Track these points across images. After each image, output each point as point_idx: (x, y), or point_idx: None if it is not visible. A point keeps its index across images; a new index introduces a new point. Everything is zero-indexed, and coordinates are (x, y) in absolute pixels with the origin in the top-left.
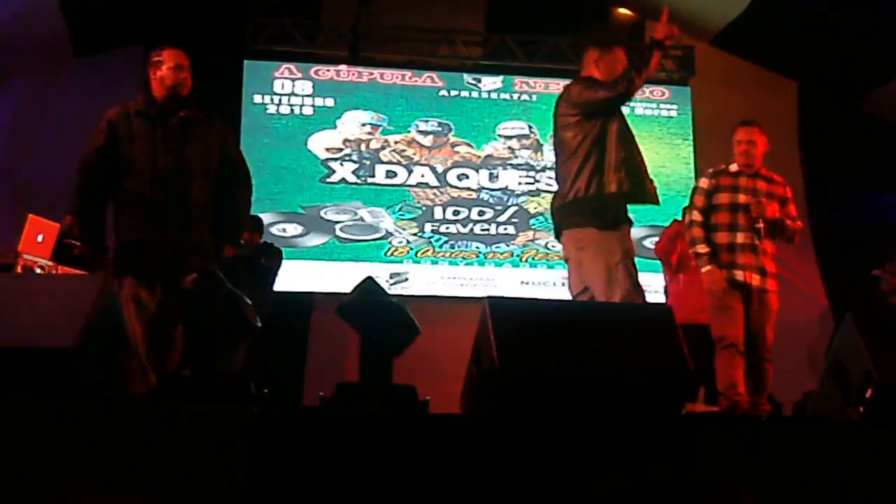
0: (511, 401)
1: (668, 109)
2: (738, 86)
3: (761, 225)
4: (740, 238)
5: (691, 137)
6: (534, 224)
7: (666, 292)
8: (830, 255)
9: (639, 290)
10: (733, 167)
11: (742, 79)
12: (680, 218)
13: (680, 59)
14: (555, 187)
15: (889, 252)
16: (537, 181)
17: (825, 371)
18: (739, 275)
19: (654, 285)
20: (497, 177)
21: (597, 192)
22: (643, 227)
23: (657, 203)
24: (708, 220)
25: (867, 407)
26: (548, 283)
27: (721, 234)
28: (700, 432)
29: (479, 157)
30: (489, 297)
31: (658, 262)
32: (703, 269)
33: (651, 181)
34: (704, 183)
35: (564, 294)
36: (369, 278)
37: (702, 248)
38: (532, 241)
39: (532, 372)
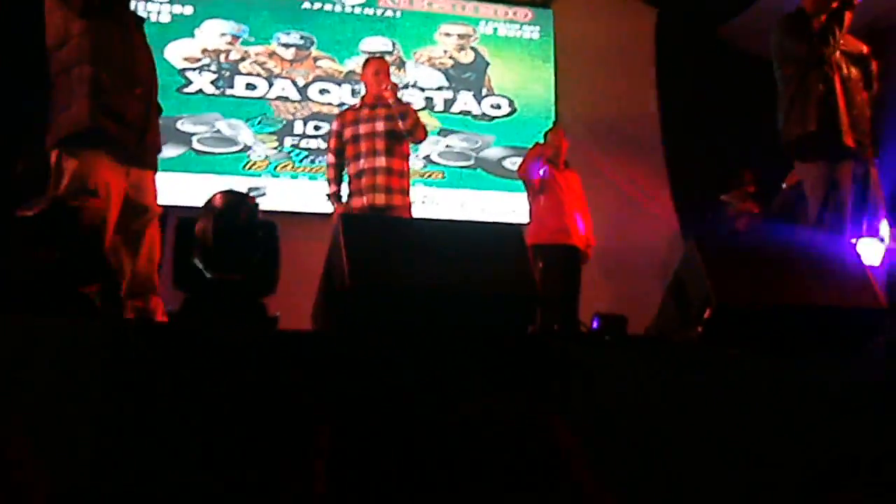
0: (361, 317)
1: (531, 31)
2: (599, 10)
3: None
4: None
5: (552, 60)
6: None
7: (530, 212)
8: (683, 179)
9: (839, 222)
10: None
11: (604, 3)
12: (542, 140)
13: None
14: (416, 105)
15: (738, 178)
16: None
17: (666, 292)
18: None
19: (512, 205)
20: (359, 92)
21: (800, 133)
22: (504, 147)
23: (853, 149)
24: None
25: (705, 327)
26: None
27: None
28: (540, 350)
29: (341, 72)
30: (342, 213)
31: (519, 182)
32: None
33: (856, 128)
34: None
35: (426, 212)
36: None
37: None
38: None
39: (382, 288)
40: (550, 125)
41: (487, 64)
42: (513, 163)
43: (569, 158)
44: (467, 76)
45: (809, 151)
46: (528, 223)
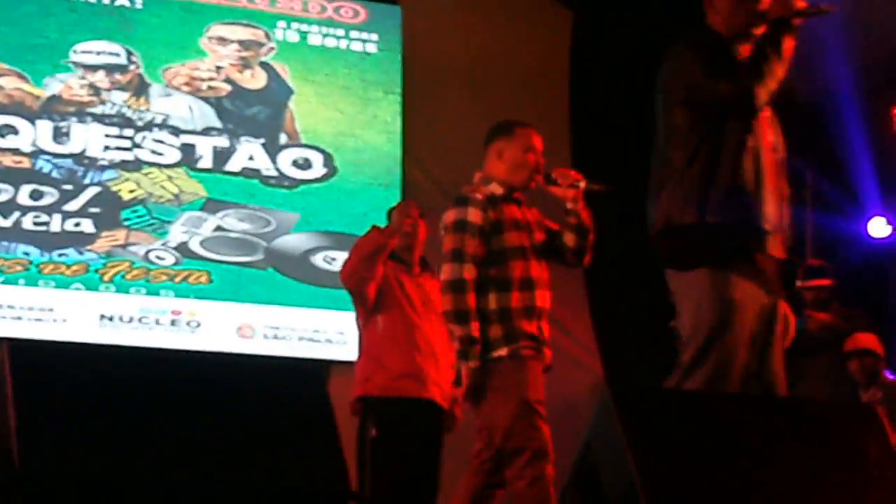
0: None
1: (364, 41)
2: (479, 7)
3: None
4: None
5: (400, 90)
6: (128, 218)
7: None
8: (605, 291)
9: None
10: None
11: None
12: (383, 224)
13: None
14: (166, 159)
15: None
16: (138, 145)
17: (570, 477)
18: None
19: (329, 329)
20: (67, 134)
21: (693, 222)
22: (314, 233)
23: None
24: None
25: None
26: (148, 320)
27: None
28: None
29: (36, 97)
30: (10, 342)
31: (345, 292)
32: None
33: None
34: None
35: (180, 340)
36: None
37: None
38: (124, 246)
39: (62, 473)
40: (396, 197)
41: (290, 93)
42: (329, 259)
43: (427, 254)
44: (254, 112)
45: (700, 253)
46: (357, 361)
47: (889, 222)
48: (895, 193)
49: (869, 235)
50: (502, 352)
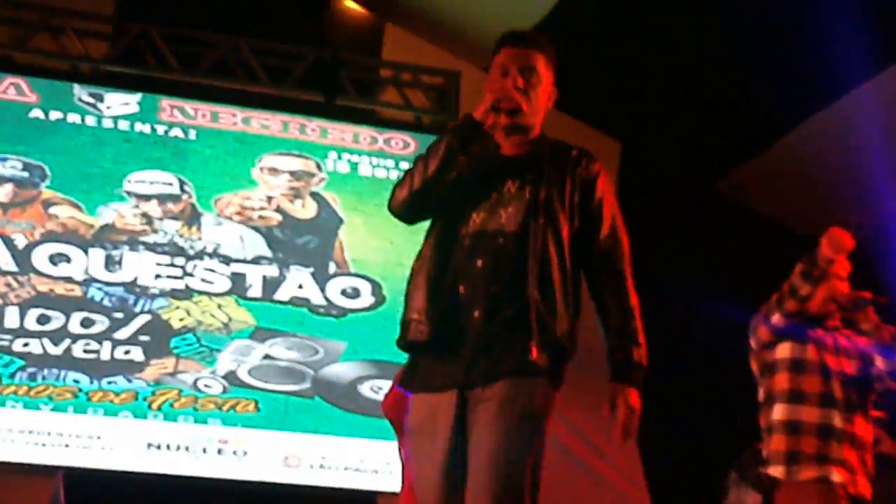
0: None
1: None
2: None
3: None
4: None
5: None
6: (177, 346)
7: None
8: (662, 431)
9: None
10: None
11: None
12: None
13: (437, 90)
14: (217, 287)
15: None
16: (189, 274)
17: None
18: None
19: (375, 459)
20: (119, 262)
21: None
22: (361, 361)
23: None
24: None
25: None
26: (195, 448)
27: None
28: None
29: (90, 226)
30: (66, 471)
31: (385, 421)
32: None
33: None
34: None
35: (224, 469)
36: None
37: None
38: (173, 374)
39: None
40: None
41: (340, 222)
42: (376, 388)
43: None
44: (304, 242)
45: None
46: (399, 493)
47: None
48: None
49: None
50: None
